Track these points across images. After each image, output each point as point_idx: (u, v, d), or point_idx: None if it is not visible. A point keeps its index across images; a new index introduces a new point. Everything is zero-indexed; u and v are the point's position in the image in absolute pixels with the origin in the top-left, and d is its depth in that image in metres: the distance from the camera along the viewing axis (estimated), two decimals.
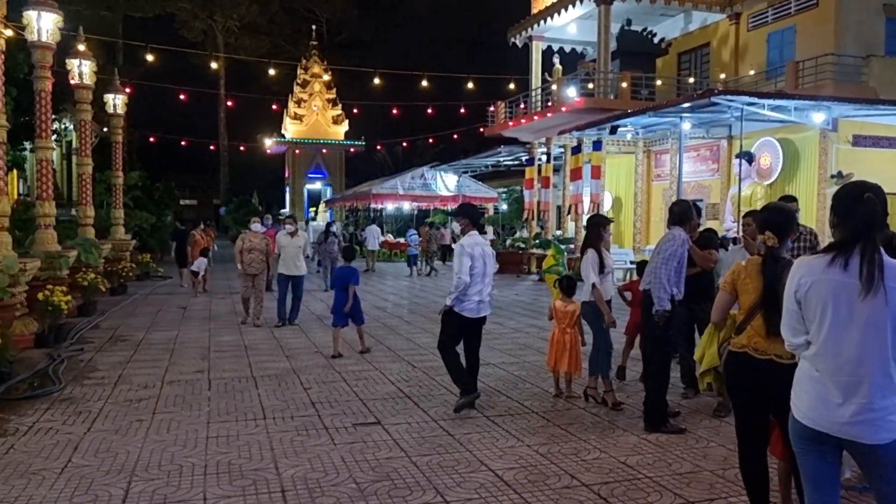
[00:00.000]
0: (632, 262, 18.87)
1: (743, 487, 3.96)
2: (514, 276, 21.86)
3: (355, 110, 43.77)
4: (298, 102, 45.96)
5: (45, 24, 10.94)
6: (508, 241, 26.70)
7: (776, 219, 3.70)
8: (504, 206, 33.45)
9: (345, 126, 46.65)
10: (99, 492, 4.42)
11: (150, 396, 6.82)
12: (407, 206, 34.54)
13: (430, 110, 34.83)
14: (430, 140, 47.53)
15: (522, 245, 24.58)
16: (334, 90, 46.69)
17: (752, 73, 20.86)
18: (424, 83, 27.95)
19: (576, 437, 5.60)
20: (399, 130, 49.10)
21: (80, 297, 12.16)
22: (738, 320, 3.77)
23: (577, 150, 20.39)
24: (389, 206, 34.70)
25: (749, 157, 16.98)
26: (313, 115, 46.02)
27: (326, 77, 46.28)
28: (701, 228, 7.29)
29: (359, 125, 47.29)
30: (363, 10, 54.25)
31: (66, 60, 14.23)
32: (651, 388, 5.77)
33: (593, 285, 6.45)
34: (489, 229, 32.70)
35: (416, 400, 6.73)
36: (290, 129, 45.92)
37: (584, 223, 7.24)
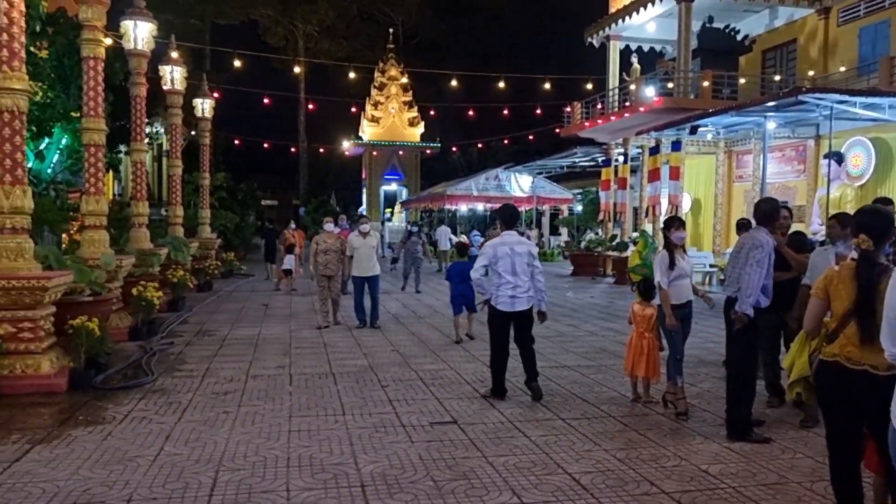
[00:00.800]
0: (711, 266, 18.37)
1: (834, 502, 3.82)
2: (590, 279, 21.60)
3: (432, 112, 44.16)
4: (375, 105, 46.67)
5: (140, 33, 11.51)
6: (583, 243, 26.41)
7: (872, 221, 3.56)
8: (579, 208, 33.10)
9: (420, 128, 47.10)
10: (189, 480, 4.62)
11: (236, 390, 7.08)
12: (481, 207, 34.58)
13: (505, 111, 34.76)
14: (505, 141, 47.49)
15: (598, 247, 24.26)
16: (410, 92, 47.20)
17: (842, 69, 19.97)
18: (500, 84, 27.94)
19: (654, 442, 5.51)
20: (474, 132, 49.24)
21: (169, 293, 12.72)
22: (830, 328, 3.64)
23: (655, 150, 20.00)
24: (463, 208, 34.82)
25: (839, 158, 16.28)
26: (390, 118, 46.65)
27: (403, 80, 46.83)
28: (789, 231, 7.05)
29: (434, 127, 47.69)
30: (438, 13, 54.64)
31: (159, 67, 14.90)
32: (734, 396, 5.62)
33: (659, 286, 6.33)
34: (563, 230, 32.38)
35: (492, 401, 6.75)
36: (368, 131, 46.67)
37: (662, 226, 7.11)
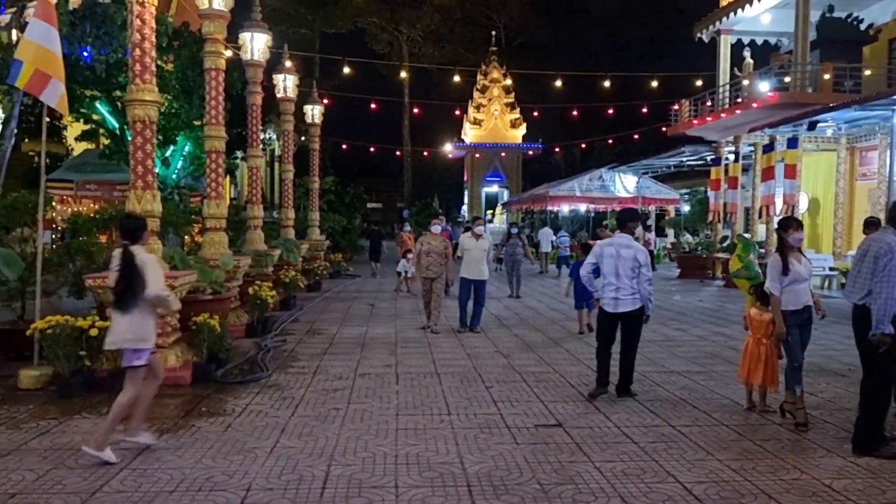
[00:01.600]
0: (831, 269, 17.38)
1: None
2: (698, 282, 20.88)
3: (535, 113, 43.96)
4: (478, 107, 46.91)
5: (257, 45, 12.07)
6: (688, 246, 25.59)
7: None
8: (686, 208, 32.07)
9: (522, 129, 46.98)
10: (304, 472, 4.81)
11: (345, 387, 7.30)
12: (583, 208, 34.10)
13: (609, 111, 34.13)
14: (609, 141, 46.64)
15: (707, 248, 23.43)
16: (512, 94, 47.16)
17: None
18: (606, 83, 27.47)
19: (772, 454, 5.28)
20: (576, 132, 48.64)
21: (282, 293, 13.25)
22: None
23: (769, 148, 19.09)
24: (565, 209, 34.43)
25: None
26: (492, 120, 46.77)
27: (505, 82, 46.86)
28: None
29: (536, 128, 47.46)
30: (541, 14, 54.29)
31: (273, 76, 15.55)
32: (865, 409, 5.29)
33: (770, 292, 6.03)
34: (669, 231, 31.46)
35: (598, 405, 6.66)
36: (470, 133, 46.96)
37: (776, 227, 6.81)
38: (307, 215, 19.93)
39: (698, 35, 25.77)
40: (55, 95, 7.23)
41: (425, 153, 51.83)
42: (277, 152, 39.93)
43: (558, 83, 30.75)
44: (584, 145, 49.02)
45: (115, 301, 5.08)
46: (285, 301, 13.37)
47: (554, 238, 24.79)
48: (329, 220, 23.82)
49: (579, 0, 54.83)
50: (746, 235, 16.95)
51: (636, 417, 6.23)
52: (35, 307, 7.38)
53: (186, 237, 13.71)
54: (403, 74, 44.47)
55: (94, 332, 6.66)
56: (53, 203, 10.03)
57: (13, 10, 8.04)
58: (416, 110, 47.60)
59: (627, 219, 7.35)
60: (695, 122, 24.11)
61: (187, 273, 7.88)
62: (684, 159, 29.42)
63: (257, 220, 12.86)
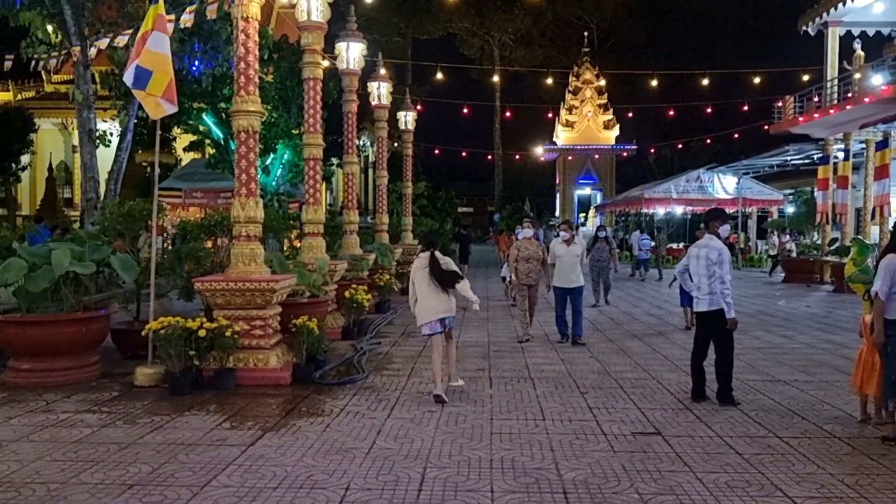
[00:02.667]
0: None
1: None
2: (805, 286, 19.90)
3: (630, 114, 43.11)
4: (570, 109, 46.42)
5: (352, 54, 12.36)
6: (793, 248, 24.42)
7: None
8: (790, 209, 30.65)
9: (615, 131, 46.16)
10: (400, 473, 4.88)
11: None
12: (680, 210, 33.13)
13: (707, 110, 33.03)
14: (707, 141, 45.17)
15: (814, 252, 22.31)
16: (605, 95, 46.43)
17: None
18: (705, 82, 26.61)
19: (891, 470, 4.96)
20: (672, 132, 47.37)
21: (376, 296, 13.50)
22: None
23: (882, 144, 18.03)
24: (661, 211, 33.56)
25: None
26: (584, 122, 46.18)
27: (598, 83, 46.17)
28: None
29: (630, 129, 46.54)
30: (634, 13, 53.16)
31: (367, 84, 15.89)
32: None
33: (876, 295, 5.63)
34: (774, 233, 30.11)
35: (699, 413, 6.45)
36: (562, 136, 46.53)
37: (892, 227, 6.40)
38: (400, 220, 20.24)
39: (803, 28, 24.56)
40: (170, 108, 7.67)
41: (516, 157, 51.73)
42: (371, 158, 40.81)
43: (653, 83, 29.99)
44: (680, 145, 47.65)
45: (439, 287, 7.15)
46: (380, 304, 13.61)
47: (645, 242, 24.32)
48: (422, 224, 24.10)
49: None
50: (862, 238, 16.00)
51: (739, 427, 5.99)
52: (149, 309, 7.81)
53: (285, 242, 14.18)
54: (495, 78, 44.56)
55: (202, 332, 6.98)
56: (166, 211, 10.57)
57: (130, 30, 8.59)
58: (507, 114, 47.57)
59: (711, 218, 7.28)
60: (800, 119, 22.99)
61: (287, 277, 8.15)
62: (788, 158, 28.17)
63: (353, 226, 13.16)
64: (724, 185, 30.39)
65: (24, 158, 34.25)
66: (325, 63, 11.34)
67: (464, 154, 47.59)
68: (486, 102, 49.38)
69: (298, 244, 12.49)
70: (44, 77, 38.20)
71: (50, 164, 36.67)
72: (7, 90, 41.05)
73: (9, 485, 4.55)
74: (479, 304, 7.61)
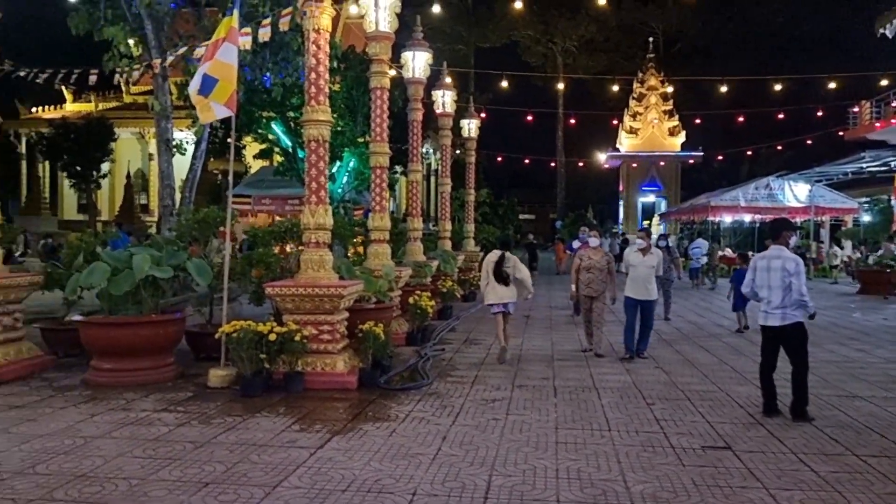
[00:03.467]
0: None
1: None
2: (882, 298, 19.11)
3: (697, 121, 42.25)
4: (634, 116, 45.82)
5: (418, 63, 12.51)
6: (871, 259, 23.45)
7: None
8: (866, 218, 29.49)
9: (681, 137, 45.32)
10: (466, 480, 4.91)
11: (503, 398, 7.37)
12: (748, 218, 32.23)
13: (779, 115, 32.10)
14: (778, 147, 43.91)
15: (892, 262, 21.39)
16: (671, 101, 45.65)
17: None
18: (777, 87, 25.90)
19: None
20: (741, 139, 46.20)
21: (439, 302, 13.59)
22: None
23: None
24: (727, 219, 32.73)
25: None
26: (649, 128, 45.50)
27: (663, 89, 45.44)
28: None
29: (697, 135, 45.60)
30: (701, 17, 52.11)
31: (432, 92, 16.04)
32: None
33: None
34: (846, 243, 29.05)
35: (771, 428, 6.28)
36: (626, 142, 45.95)
37: None
38: (462, 227, 20.33)
39: (880, 30, 23.69)
40: (223, 112, 7.95)
41: (579, 164, 51.26)
42: (434, 166, 41.12)
43: (723, 88, 29.36)
44: (749, 152, 46.44)
45: (504, 281, 9.37)
46: (442, 311, 13.70)
47: (702, 249, 23.88)
48: (483, 231, 24.15)
49: (742, 1, 52.00)
50: None
51: (814, 443, 5.82)
52: (222, 312, 8.07)
53: (350, 248, 14.44)
54: (558, 85, 44.33)
55: (272, 336, 7.18)
56: (237, 217, 10.90)
57: (205, 44, 8.95)
58: (570, 121, 47.25)
59: (780, 228, 7.01)
60: (877, 124, 22.19)
61: (355, 283, 8.30)
62: (864, 165, 27.10)
63: (417, 232, 13.30)
64: (795, 192, 29.43)
65: (105, 166, 35.84)
66: (392, 72, 11.51)
67: (526, 161, 47.51)
68: (548, 109, 49.15)
69: (362, 251, 12.71)
70: (123, 88, 39.87)
71: (128, 172, 38.25)
72: (89, 101, 43.01)
73: (94, 479, 4.78)
74: (531, 295, 10.02)
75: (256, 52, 12.86)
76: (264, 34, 8.44)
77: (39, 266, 9.55)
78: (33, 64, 12.05)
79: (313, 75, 7.92)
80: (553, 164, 53.46)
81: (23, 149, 43.48)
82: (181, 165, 15.14)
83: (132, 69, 12.53)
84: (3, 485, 4.63)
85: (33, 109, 43.66)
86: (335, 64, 14.46)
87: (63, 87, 39.93)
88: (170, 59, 10.75)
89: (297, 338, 7.34)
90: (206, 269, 8.35)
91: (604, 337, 10.33)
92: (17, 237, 16.09)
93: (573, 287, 10.56)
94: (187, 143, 15.00)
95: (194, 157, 13.80)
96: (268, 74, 13.89)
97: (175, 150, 13.62)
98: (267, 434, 5.88)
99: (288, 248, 10.01)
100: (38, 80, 11.59)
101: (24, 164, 43.22)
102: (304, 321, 7.70)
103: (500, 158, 45.38)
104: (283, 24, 8.70)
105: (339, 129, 19.92)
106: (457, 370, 8.89)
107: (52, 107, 43.25)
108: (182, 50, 10.45)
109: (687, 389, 7.86)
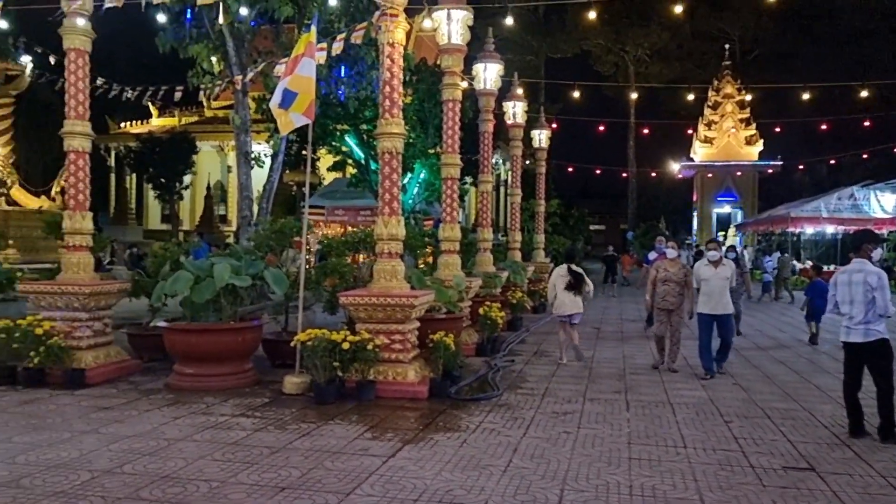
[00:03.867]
0: None
1: None
2: None
3: (777, 129, 40.91)
4: (709, 125, 44.67)
5: (489, 75, 12.57)
6: None
7: None
8: None
9: (759, 146, 43.89)
10: (537, 494, 4.88)
11: (574, 411, 7.30)
12: (830, 229, 30.97)
13: (865, 123, 30.79)
14: (863, 156, 42.06)
15: None
16: (747, 110, 44.32)
17: None
18: (864, 93, 24.86)
19: None
20: (823, 147, 44.44)
21: (509, 314, 13.55)
22: None
23: None
24: (808, 230, 31.52)
25: None
26: (724, 137, 44.26)
27: (739, 97, 44.19)
28: None
29: (775, 144, 44.11)
30: (781, 22, 50.47)
31: (503, 103, 16.09)
32: None
33: None
34: None
35: (857, 450, 6.02)
36: (700, 152, 44.82)
37: None
38: (532, 238, 20.24)
39: None
40: (300, 121, 8.18)
41: (652, 174, 50.31)
42: (503, 176, 41.11)
43: (804, 95, 28.35)
44: (832, 161, 44.64)
45: (575, 290, 10.13)
46: (512, 322, 13.65)
47: (770, 264, 23.13)
48: (553, 242, 23.98)
49: (824, 5, 50.09)
50: None
51: None
52: (297, 321, 8.27)
53: (420, 259, 14.58)
54: (632, 95, 43.66)
55: (345, 345, 7.31)
56: (312, 228, 11.17)
57: (285, 59, 9.26)
58: (644, 130, 46.46)
59: (862, 241, 6.74)
60: None
61: (426, 293, 8.38)
62: None
63: (487, 243, 13.32)
64: (881, 203, 28.19)
65: (187, 178, 37.32)
66: (464, 84, 11.61)
67: (597, 172, 46.93)
68: (620, 119, 48.47)
69: (431, 261, 12.81)
70: (205, 104, 41.44)
71: (208, 184, 39.67)
72: (173, 116, 44.90)
73: (177, 480, 4.97)
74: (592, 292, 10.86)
75: (332, 67, 13.18)
76: (338, 48, 8.66)
77: (126, 274, 10.03)
78: (123, 81, 12.65)
79: (387, 88, 8.06)
80: (624, 175, 52.63)
81: (112, 162, 45.67)
82: (259, 177, 15.63)
83: (214, 85, 13.04)
84: (94, 483, 4.87)
85: (122, 124, 45.82)
86: (408, 77, 14.66)
87: (149, 103, 41.78)
88: (249, 74, 11.18)
89: (370, 347, 7.46)
90: (283, 278, 8.59)
91: (679, 352, 9.97)
92: (106, 246, 16.93)
93: (647, 298, 10.26)
94: (265, 155, 15.49)
95: (271, 169, 14.22)
96: (342, 88, 14.22)
97: (253, 162, 14.07)
98: (340, 441, 5.99)
99: (360, 258, 10.18)
100: (129, 97, 12.19)
101: (112, 176, 45.39)
102: (377, 330, 7.81)
103: (570, 169, 44.96)
104: (356, 38, 8.90)
105: (410, 140, 20.16)
106: (527, 382, 8.85)
107: (139, 122, 45.30)
108: (261, 66, 10.85)
109: (766, 407, 7.61)
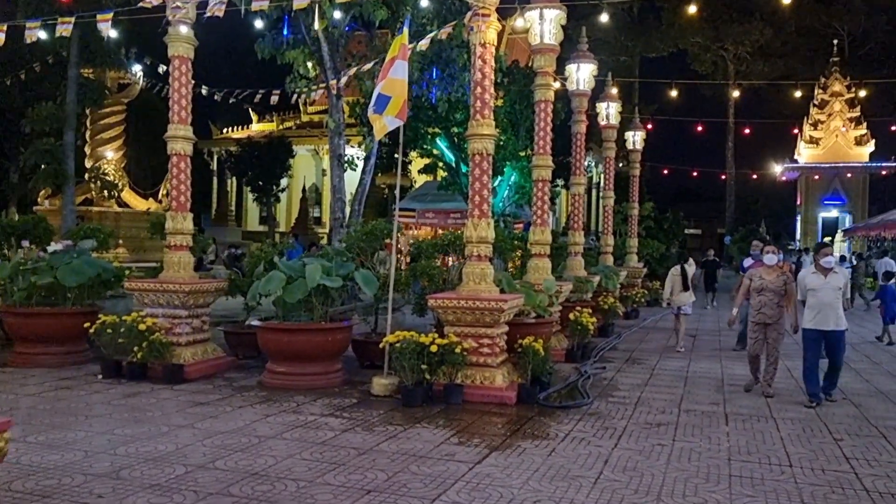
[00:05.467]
0: None
1: None
2: None
3: (893, 128, 38.44)
4: (815, 125, 42.44)
5: (582, 75, 12.32)
6: None
7: None
8: None
9: (869, 146, 41.36)
10: None
11: (668, 422, 6.99)
12: None
13: None
14: None
15: None
16: (858, 108, 41.83)
17: None
18: None
19: None
20: None
21: (600, 319, 13.20)
22: None
23: None
24: None
25: None
26: (832, 137, 41.94)
27: (849, 94, 41.77)
28: None
29: (889, 144, 41.47)
30: (893, 16, 47.38)
31: (596, 104, 15.74)
32: None
33: None
34: None
35: None
36: (805, 153, 42.64)
37: None
38: (625, 242, 19.73)
39: None
40: (393, 123, 8.24)
41: (753, 176, 48.24)
42: (595, 179, 40.36)
43: None
44: None
45: (684, 288, 11.97)
46: (603, 328, 13.30)
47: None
48: (647, 246, 23.29)
49: None
50: None
51: None
52: (386, 322, 8.30)
53: (510, 263, 14.43)
54: (734, 93, 42.01)
55: (433, 348, 7.26)
56: (402, 230, 11.22)
57: (376, 61, 9.38)
58: (744, 130, 44.60)
59: None
60: None
61: (515, 297, 8.24)
62: None
63: (578, 247, 13.04)
64: None
65: (283, 181, 38.58)
66: (556, 85, 11.41)
67: (693, 174, 45.40)
68: (718, 119, 46.72)
69: (519, 265, 12.64)
70: (301, 108, 42.71)
71: (303, 187, 40.83)
72: (271, 121, 46.52)
73: (266, 478, 5.03)
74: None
75: (423, 70, 13.25)
76: (424, 44, 8.68)
77: (225, 273, 10.32)
78: (225, 87, 13.10)
79: (478, 89, 7.98)
80: (723, 177, 50.69)
81: (214, 166, 47.69)
82: (352, 180, 15.90)
83: (311, 90, 13.34)
84: (188, 477, 4.99)
85: (224, 130, 47.79)
86: (499, 78, 14.56)
87: (249, 109, 43.43)
88: (343, 79, 11.35)
89: (458, 350, 7.39)
90: (373, 279, 8.64)
91: (776, 374, 8.59)
92: (208, 247, 17.64)
93: (734, 311, 9.01)
94: (358, 158, 15.71)
95: (363, 171, 14.42)
96: (434, 91, 14.27)
97: (346, 165, 14.31)
98: (426, 445, 5.94)
99: (450, 261, 10.14)
100: (233, 101, 12.58)
101: (214, 179, 47.39)
102: (465, 333, 7.74)
103: (665, 171, 43.70)
104: (444, 34, 8.88)
105: (500, 143, 20.05)
106: (618, 390, 8.57)
107: (239, 127, 47.13)
108: (353, 69, 11.00)
109: (881, 425, 7.07)
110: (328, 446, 5.83)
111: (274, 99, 11.87)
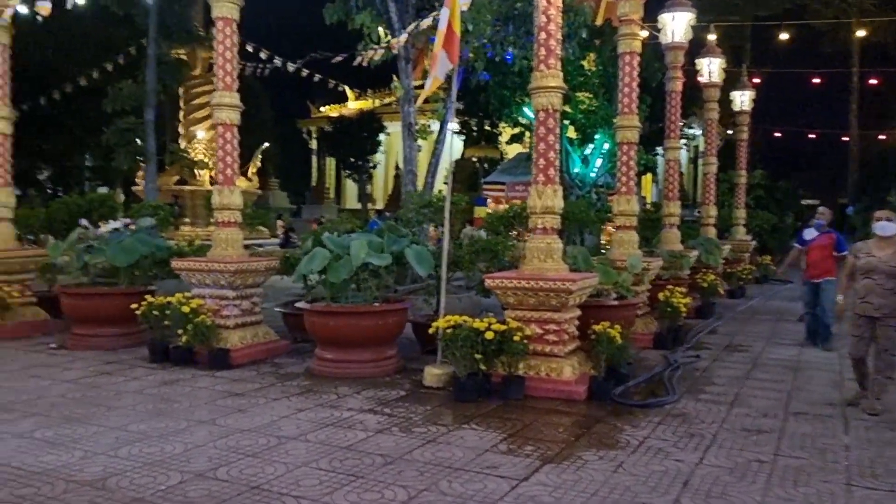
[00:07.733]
0: None
1: None
2: None
3: None
4: None
5: (678, 25, 10.90)
6: None
7: None
8: None
9: None
10: None
11: (771, 429, 5.76)
12: None
13: None
14: None
15: None
16: None
17: None
18: None
19: None
20: None
21: (697, 299, 11.84)
22: None
23: None
24: None
25: None
26: None
27: None
28: None
29: None
30: None
31: (696, 61, 14.16)
32: None
33: None
34: None
35: None
36: None
37: None
38: (731, 213, 17.97)
39: None
40: (444, 68, 7.31)
41: (880, 137, 44.03)
42: (701, 147, 37.81)
43: None
44: None
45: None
46: (701, 308, 11.90)
47: None
48: (757, 218, 21.29)
49: None
50: None
51: None
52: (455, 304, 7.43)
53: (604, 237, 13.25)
54: (860, 33, 38.19)
55: (489, 335, 6.32)
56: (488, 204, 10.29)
57: (433, 15, 8.53)
58: (871, 81, 40.54)
59: None
60: None
61: (586, 276, 7.13)
62: None
63: (673, 218, 11.70)
64: None
65: (378, 158, 38.45)
66: (644, 34, 10.08)
67: (810, 136, 41.80)
68: (841, 69, 42.71)
69: (610, 238, 11.46)
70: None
71: (396, 163, 40.64)
72: (367, 99, 46.53)
73: (267, 493, 4.26)
74: None
75: (498, 28, 12.18)
76: None
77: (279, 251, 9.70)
78: (292, 58, 12.50)
79: (543, 35, 6.89)
80: (845, 139, 46.51)
81: (313, 144, 48.22)
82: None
83: (374, 51, 12.54)
84: (178, 489, 4.29)
85: (322, 109, 48.16)
86: (586, 33, 13.25)
87: (346, 88, 43.49)
88: (403, 36, 10.47)
89: (517, 338, 6.40)
90: (427, 256, 7.75)
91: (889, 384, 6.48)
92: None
93: (839, 299, 6.92)
94: (430, 129, 14.87)
95: (437, 140, 13.55)
96: (510, 51, 13.18)
97: (418, 134, 13.48)
98: (468, 453, 5.02)
99: (518, 234, 9.13)
100: (304, 74, 11.87)
101: (313, 157, 47.95)
102: (528, 318, 6.75)
103: (778, 135, 40.42)
104: None
105: (592, 108, 18.69)
106: (713, 384, 7.34)
107: (337, 105, 47.36)
108: (411, 26, 10.13)
109: None
110: (353, 452, 5.02)
111: (337, 59, 11.09)
